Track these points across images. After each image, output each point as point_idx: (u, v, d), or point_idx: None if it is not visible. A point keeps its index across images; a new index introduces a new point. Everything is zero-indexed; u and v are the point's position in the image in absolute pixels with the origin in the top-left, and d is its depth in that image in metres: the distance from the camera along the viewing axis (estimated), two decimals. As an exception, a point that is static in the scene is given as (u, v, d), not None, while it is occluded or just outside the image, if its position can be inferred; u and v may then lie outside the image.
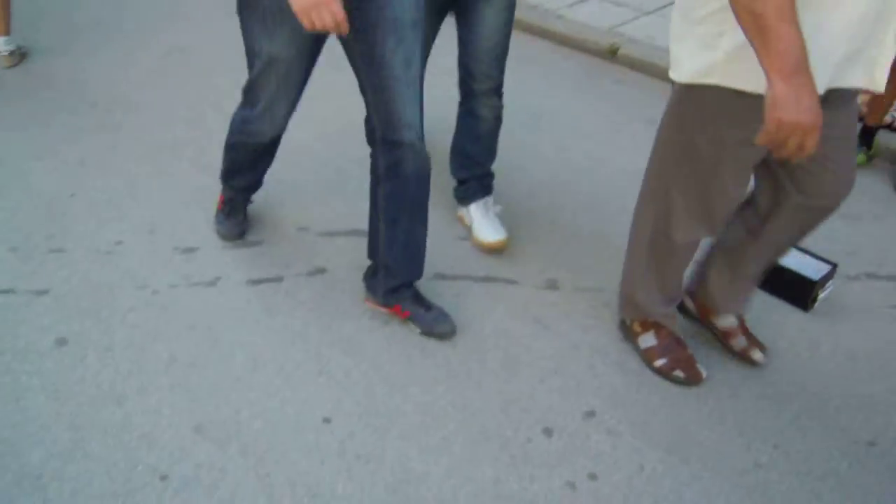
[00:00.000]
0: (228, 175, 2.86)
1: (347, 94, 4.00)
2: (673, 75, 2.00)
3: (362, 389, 2.37)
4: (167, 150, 3.54)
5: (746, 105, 1.84)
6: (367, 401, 2.33)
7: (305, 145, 3.61)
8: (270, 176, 3.34)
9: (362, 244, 2.73)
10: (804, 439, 2.32)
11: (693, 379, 2.46)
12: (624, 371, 2.51)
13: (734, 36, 1.76)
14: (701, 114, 1.99)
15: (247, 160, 2.76)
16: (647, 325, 2.49)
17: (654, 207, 2.26)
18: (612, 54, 4.64)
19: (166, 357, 2.44)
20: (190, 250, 2.90)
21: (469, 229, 3.01)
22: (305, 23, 1.90)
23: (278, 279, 2.78)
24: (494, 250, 2.96)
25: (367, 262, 2.62)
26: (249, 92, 2.46)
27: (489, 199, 3.03)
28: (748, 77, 1.80)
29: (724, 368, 2.54)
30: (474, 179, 2.99)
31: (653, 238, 2.31)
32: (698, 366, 2.47)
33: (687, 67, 1.93)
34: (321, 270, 2.83)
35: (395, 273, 2.49)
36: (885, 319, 2.81)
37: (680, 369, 2.45)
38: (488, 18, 2.68)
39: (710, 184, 2.10)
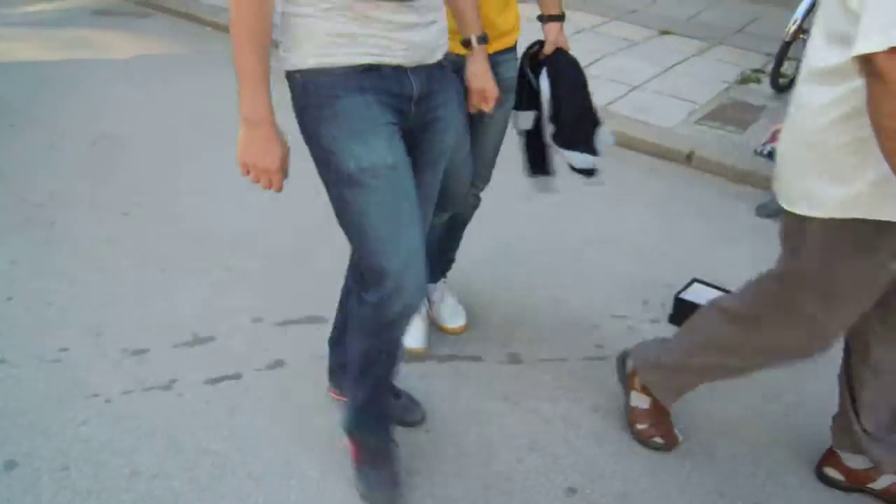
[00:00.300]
0: (365, 404, 2.19)
1: (292, 173, 3.95)
2: (806, 210, 1.86)
3: (338, 488, 2.27)
4: (104, 245, 3.41)
5: (891, 232, 1.79)
6: (345, 500, 2.23)
7: (250, 230, 3.52)
8: (218, 265, 3.25)
9: (320, 332, 2.65)
10: (785, 493, 2.32)
11: (670, 444, 2.43)
12: (599, 441, 2.47)
13: (878, 167, 1.65)
14: (844, 247, 1.87)
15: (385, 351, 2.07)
16: (647, 391, 2.45)
17: (761, 326, 2.12)
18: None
19: (127, 471, 2.30)
20: (140, 352, 2.77)
21: (428, 308, 2.95)
22: (242, 171, 1.82)
23: (237, 376, 2.67)
24: (454, 334, 2.91)
25: (325, 350, 2.54)
26: (365, 255, 1.85)
27: (446, 281, 2.98)
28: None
29: (695, 427, 2.52)
30: (437, 263, 2.92)
31: (734, 350, 2.20)
32: (675, 430, 2.45)
33: (826, 202, 1.81)
34: (280, 363, 2.73)
35: None
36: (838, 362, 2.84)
37: (660, 436, 2.43)
38: (491, 131, 2.54)
39: (842, 307, 2.00)
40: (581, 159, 2.44)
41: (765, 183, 4.01)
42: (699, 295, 3.03)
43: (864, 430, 2.20)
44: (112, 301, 3.03)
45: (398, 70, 1.77)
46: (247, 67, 1.67)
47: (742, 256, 3.49)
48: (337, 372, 2.49)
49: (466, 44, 2.18)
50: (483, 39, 2.18)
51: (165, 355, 2.76)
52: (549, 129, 2.43)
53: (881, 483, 2.30)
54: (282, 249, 3.40)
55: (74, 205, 3.71)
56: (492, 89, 2.23)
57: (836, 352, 2.52)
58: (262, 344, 2.82)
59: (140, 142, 4.41)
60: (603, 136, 2.45)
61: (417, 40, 1.77)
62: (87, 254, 3.34)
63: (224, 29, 6.42)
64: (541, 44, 2.43)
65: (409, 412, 2.46)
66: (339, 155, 1.75)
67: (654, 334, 2.94)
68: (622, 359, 2.53)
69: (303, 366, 2.72)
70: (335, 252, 3.29)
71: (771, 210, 3.85)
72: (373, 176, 1.75)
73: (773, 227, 3.75)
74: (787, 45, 4.77)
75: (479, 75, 2.21)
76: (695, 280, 3.15)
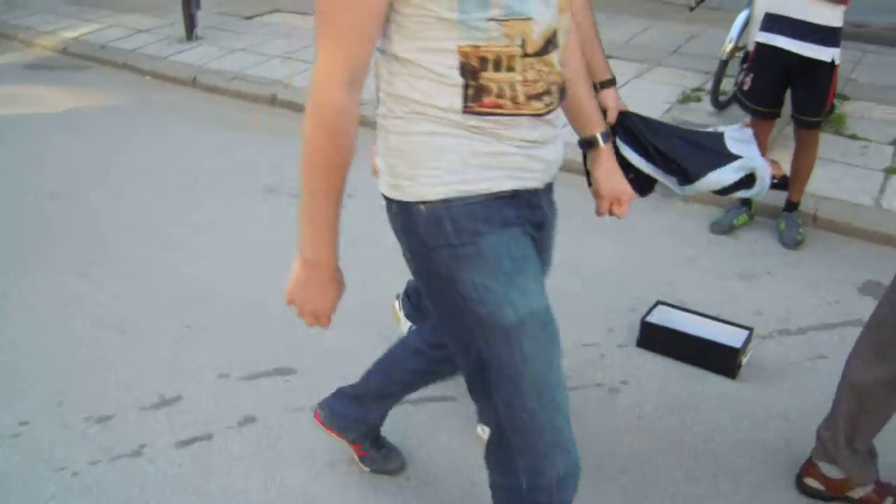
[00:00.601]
0: None
1: (242, 221, 3.90)
2: None
3: (321, 544, 2.21)
4: (60, 308, 3.31)
5: None
6: (329, 556, 2.18)
7: (206, 284, 3.45)
8: (178, 322, 3.17)
9: (290, 384, 2.61)
10: (768, 512, 2.33)
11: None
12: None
13: None
14: None
15: None
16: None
17: None
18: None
19: (101, 546, 2.22)
20: (105, 419, 2.68)
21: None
22: (287, 303, 1.53)
23: (208, 436, 2.59)
24: None
25: (296, 403, 2.49)
26: (520, 414, 1.53)
27: None
28: None
29: (676, 450, 2.52)
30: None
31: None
32: None
33: None
34: (252, 419, 2.67)
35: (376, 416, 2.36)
36: (807, 374, 2.88)
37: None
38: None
39: None
40: (729, 173, 2.13)
41: (715, 200, 4.06)
42: (664, 317, 3.05)
43: (852, 445, 2.23)
44: (71, 367, 2.94)
45: (534, 194, 1.54)
46: (317, 208, 1.42)
47: (701, 274, 3.53)
48: (340, 401, 2.37)
49: (588, 144, 1.85)
50: (607, 136, 1.84)
51: (132, 420, 2.67)
52: (672, 181, 2.17)
53: (859, 492, 2.32)
54: (240, 302, 3.33)
55: (27, 271, 3.60)
56: (629, 191, 1.88)
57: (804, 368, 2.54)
58: (232, 400, 2.75)
59: (85, 197, 4.31)
60: (732, 132, 2.19)
61: (551, 158, 1.55)
62: (44, 320, 3.23)
63: (163, 77, 6.35)
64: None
65: (389, 460, 2.42)
66: (491, 306, 1.45)
67: (624, 360, 2.96)
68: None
69: (275, 420, 2.65)
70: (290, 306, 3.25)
71: (724, 226, 3.91)
72: (532, 324, 1.48)
73: (728, 243, 3.83)
74: (724, 64, 4.86)
75: (611, 176, 1.86)
76: (659, 302, 3.16)
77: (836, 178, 4.29)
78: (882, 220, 3.93)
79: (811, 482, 2.37)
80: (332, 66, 1.32)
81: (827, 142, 4.50)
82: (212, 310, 3.27)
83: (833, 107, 3.81)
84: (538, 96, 1.44)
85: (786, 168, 3.95)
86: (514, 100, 1.42)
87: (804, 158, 3.75)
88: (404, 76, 1.42)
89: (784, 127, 4.49)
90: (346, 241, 3.70)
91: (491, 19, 1.34)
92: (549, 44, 1.43)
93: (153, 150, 4.90)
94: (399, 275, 3.40)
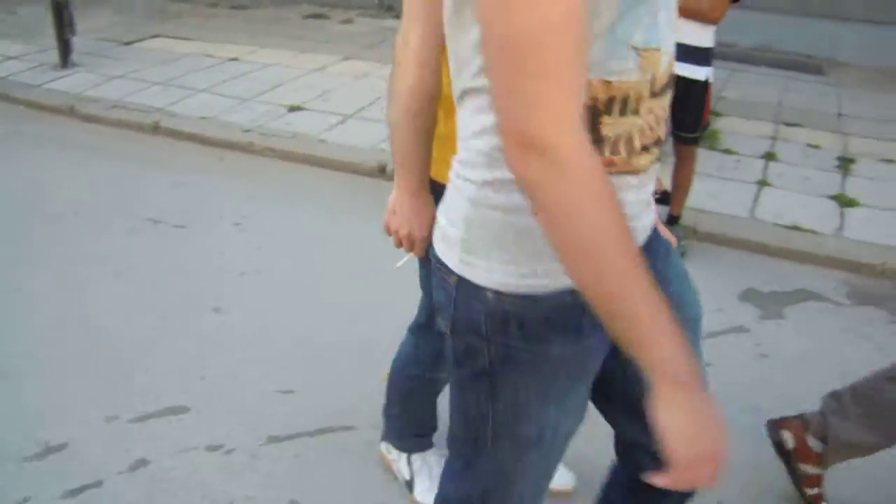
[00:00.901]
0: None
1: (126, 254, 3.77)
2: None
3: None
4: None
5: None
6: None
7: (92, 321, 3.31)
8: (61, 363, 3.04)
9: (182, 422, 2.52)
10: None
11: None
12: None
13: None
14: None
15: None
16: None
17: None
18: (381, 171, 4.71)
19: None
20: (-16, 472, 2.53)
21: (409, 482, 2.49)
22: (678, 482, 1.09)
23: (98, 484, 2.48)
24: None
25: (190, 442, 2.41)
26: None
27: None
28: None
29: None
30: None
31: None
32: None
33: None
34: (144, 463, 2.56)
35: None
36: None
37: None
38: None
39: None
40: None
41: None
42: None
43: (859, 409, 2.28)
44: (-55, 418, 2.77)
45: None
46: (644, 311, 1.01)
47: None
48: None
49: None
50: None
51: (14, 471, 2.53)
52: None
53: (814, 490, 2.41)
54: (126, 339, 3.20)
55: None
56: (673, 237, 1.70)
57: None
58: (122, 444, 2.64)
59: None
60: None
61: (648, 224, 1.31)
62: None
63: (38, 106, 6.08)
64: None
65: None
66: (521, 417, 1.28)
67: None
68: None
69: (169, 462, 2.56)
70: (178, 341, 3.16)
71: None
72: (551, 440, 1.33)
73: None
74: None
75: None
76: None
77: (713, 191, 4.48)
78: (756, 229, 4.12)
79: (785, 434, 2.42)
80: (559, 108, 0.95)
81: (703, 157, 4.69)
82: (97, 348, 3.13)
83: (708, 123, 3.98)
84: (647, 148, 1.18)
85: (667, 183, 4.10)
86: (629, 153, 1.16)
87: (683, 173, 3.89)
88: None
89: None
90: (237, 272, 3.67)
91: (633, 47, 1.09)
92: (670, 81, 1.19)
93: (29, 183, 4.69)
94: (291, 307, 3.37)
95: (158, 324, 3.28)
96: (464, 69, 1.17)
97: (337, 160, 4.86)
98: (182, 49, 7.28)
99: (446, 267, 1.27)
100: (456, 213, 1.24)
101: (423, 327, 2.17)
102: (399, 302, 3.43)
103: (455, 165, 1.25)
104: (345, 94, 6.00)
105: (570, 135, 0.95)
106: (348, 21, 8.46)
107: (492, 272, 1.20)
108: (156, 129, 5.54)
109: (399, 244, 1.79)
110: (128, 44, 7.50)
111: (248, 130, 5.25)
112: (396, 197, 1.74)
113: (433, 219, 1.42)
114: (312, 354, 3.07)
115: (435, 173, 1.70)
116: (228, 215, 4.26)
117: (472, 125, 1.19)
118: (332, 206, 4.38)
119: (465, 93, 1.18)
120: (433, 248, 1.31)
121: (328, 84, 6.24)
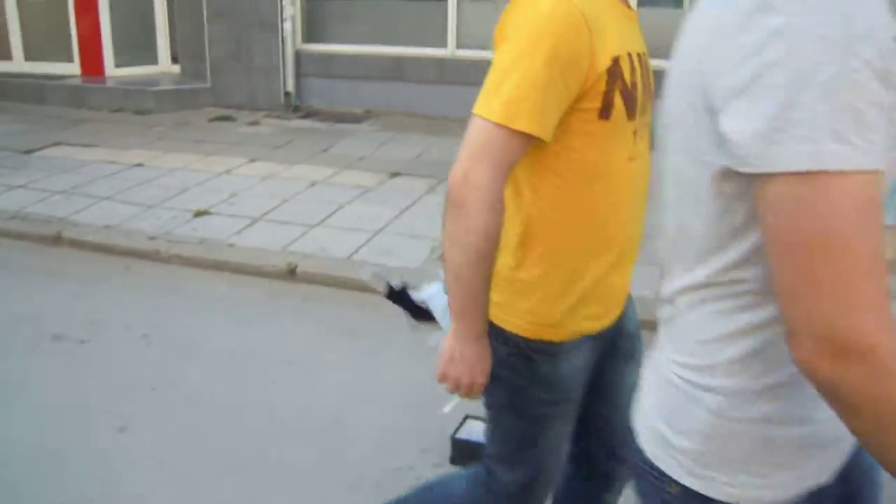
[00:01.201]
0: None
1: (28, 375, 3.62)
2: None
3: None
4: None
5: None
6: None
7: (-12, 450, 3.16)
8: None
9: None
10: None
11: None
12: None
13: None
14: None
15: None
16: None
17: None
18: (291, 273, 4.70)
19: None
20: None
21: None
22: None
23: None
24: None
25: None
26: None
27: None
28: None
29: None
30: None
31: None
32: None
33: None
34: None
35: None
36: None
37: None
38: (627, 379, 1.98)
39: None
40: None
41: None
42: (474, 432, 3.09)
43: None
44: None
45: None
46: None
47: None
48: None
49: None
50: None
51: None
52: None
53: None
54: (34, 458, 3.06)
55: None
56: None
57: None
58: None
59: None
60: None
61: None
62: None
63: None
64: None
65: None
66: None
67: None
68: None
69: None
70: (81, 464, 3.04)
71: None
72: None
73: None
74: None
75: None
76: (468, 416, 3.21)
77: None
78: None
79: None
80: (877, 306, 0.90)
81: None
82: (5, 468, 2.99)
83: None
84: None
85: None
86: None
87: None
88: (755, 312, 1.05)
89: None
90: (146, 388, 3.57)
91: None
92: None
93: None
94: (203, 423, 3.27)
95: (59, 447, 3.15)
96: (708, 259, 1.07)
97: (246, 264, 4.84)
98: (85, 156, 7.19)
99: (666, 476, 1.18)
100: (687, 423, 1.13)
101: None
102: (315, 417, 3.40)
103: (683, 371, 1.14)
104: (252, 197, 6.01)
105: (888, 333, 0.90)
106: (255, 123, 8.52)
107: (733, 486, 1.12)
108: (58, 239, 5.41)
109: (456, 390, 1.73)
110: (28, 152, 7.36)
111: (153, 238, 5.19)
112: (456, 343, 1.67)
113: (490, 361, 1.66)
114: (228, 474, 2.99)
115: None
116: (135, 327, 4.16)
117: (717, 327, 1.08)
118: (244, 313, 4.33)
119: (704, 287, 1.08)
120: (640, 448, 1.23)
121: (235, 186, 6.24)
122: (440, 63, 8.57)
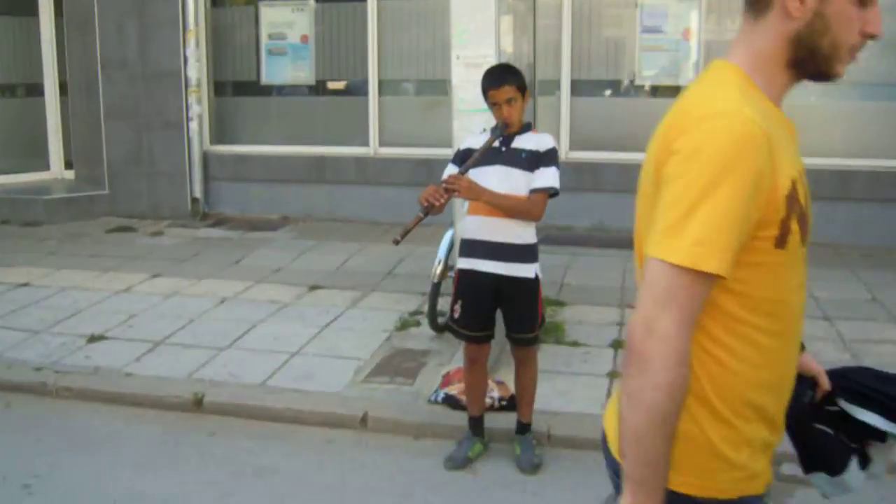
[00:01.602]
0: None
1: None
2: None
3: None
4: None
5: None
6: None
7: None
8: None
9: None
10: None
11: None
12: None
13: None
14: None
15: None
16: None
17: None
18: (197, 404, 4.54)
19: None
20: None
21: None
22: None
23: None
24: None
25: None
26: None
27: None
28: None
29: None
30: None
31: None
32: None
33: None
34: None
35: None
36: None
37: None
38: None
39: None
40: None
41: (447, 433, 4.12)
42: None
43: None
44: None
45: None
46: None
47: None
48: None
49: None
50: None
51: None
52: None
53: None
54: None
55: None
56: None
57: None
58: None
59: None
60: None
61: None
62: None
63: None
64: (805, 385, 1.95)
65: None
66: None
67: None
68: None
69: None
70: None
71: (459, 461, 3.94)
72: None
73: (464, 480, 3.85)
74: (437, 286, 5.11)
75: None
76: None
77: (564, 390, 4.55)
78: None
79: None
80: None
81: (550, 353, 4.82)
82: None
83: (544, 319, 4.09)
84: None
85: (513, 388, 4.14)
86: None
87: (526, 376, 3.95)
88: None
89: (506, 345, 4.74)
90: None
91: None
92: None
93: None
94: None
95: None
96: None
97: (146, 396, 4.66)
98: None
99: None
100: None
101: None
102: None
103: None
104: (154, 318, 5.85)
105: None
106: (158, 233, 8.40)
107: None
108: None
109: None
110: None
111: (40, 369, 4.98)
112: None
113: None
114: None
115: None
116: (15, 476, 3.93)
117: None
118: (143, 454, 4.13)
119: None
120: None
121: (135, 307, 6.07)
122: (363, 162, 8.63)
